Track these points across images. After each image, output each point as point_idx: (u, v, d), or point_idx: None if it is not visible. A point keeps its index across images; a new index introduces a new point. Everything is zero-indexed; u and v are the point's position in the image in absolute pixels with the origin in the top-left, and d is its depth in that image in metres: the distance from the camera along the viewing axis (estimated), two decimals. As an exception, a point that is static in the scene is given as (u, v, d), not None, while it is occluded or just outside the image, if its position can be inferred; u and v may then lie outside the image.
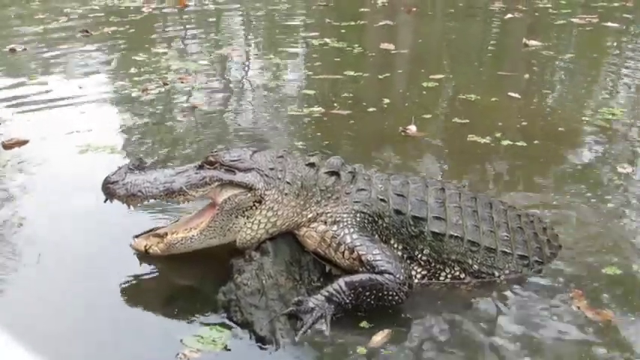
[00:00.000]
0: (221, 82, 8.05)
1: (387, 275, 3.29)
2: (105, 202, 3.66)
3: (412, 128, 6.04)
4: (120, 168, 3.69)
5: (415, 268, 3.57)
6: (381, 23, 11.27)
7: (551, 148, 5.69)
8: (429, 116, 6.47)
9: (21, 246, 4.08)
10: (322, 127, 6.21)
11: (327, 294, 3.29)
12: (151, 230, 3.87)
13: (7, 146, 5.73)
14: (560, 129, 6.15)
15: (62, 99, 7.13)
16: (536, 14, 12.39)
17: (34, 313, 3.44)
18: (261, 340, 3.13)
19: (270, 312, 3.25)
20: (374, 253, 3.37)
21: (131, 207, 3.67)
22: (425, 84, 7.49)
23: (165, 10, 13.21)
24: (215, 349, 3.09)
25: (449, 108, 6.98)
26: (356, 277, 3.32)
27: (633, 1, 12.98)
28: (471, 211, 3.65)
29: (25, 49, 9.61)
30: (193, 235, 3.64)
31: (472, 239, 3.56)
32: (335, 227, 3.52)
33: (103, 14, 12.44)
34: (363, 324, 3.28)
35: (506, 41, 10.71)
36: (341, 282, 3.30)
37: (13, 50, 9.59)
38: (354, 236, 3.46)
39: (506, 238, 3.65)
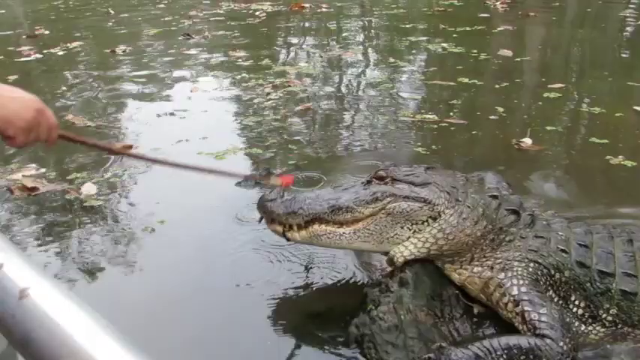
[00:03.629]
0: (335, 86, 7.85)
1: (547, 340, 2.83)
2: (259, 221, 3.46)
3: (527, 141, 5.57)
4: (274, 188, 3.48)
5: (598, 328, 3.08)
6: (499, 29, 10.65)
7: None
8: (549, 128, 6.00)
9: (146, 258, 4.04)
10: (435, 135, 5.92)
11: (477, 350, 2.84)
12: None
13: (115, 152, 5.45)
14: None
15: (166, 105, 7.16)
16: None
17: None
18: (398, 384, 2.84)
19: (409, 352, 2.93)
20: (540, 312, 2.92)
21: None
22: (545, 94, 6.95)
23: (280, 12, 13.05)
24: (349, 388, 2.84)
25: (570, 121, 6.45)
26: (513, 339, 2.87)
27: None
28: None
29: (125, 51, 9.70)
30: (344, 232, 3.25)
31: None
32: (502, 275, 3.09)
33: (223, 18, 12.48)
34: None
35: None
36: (496, 342, 2.86)
37: (113, 52, 9.63)
38: (523, 289, 3.02)
39: None
